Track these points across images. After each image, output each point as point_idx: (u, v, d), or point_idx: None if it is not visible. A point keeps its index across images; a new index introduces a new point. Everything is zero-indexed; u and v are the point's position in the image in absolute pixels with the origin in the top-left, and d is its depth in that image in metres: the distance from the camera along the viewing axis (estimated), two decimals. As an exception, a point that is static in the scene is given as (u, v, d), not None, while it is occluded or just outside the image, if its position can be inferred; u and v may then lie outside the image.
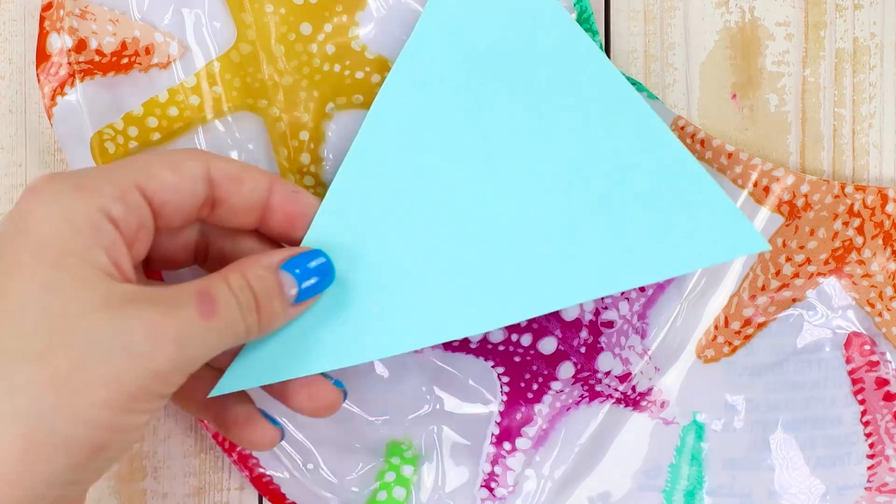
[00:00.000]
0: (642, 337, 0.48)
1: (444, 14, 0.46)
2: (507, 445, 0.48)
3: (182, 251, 0.43)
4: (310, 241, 0.43)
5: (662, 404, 0.49)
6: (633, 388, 0.48)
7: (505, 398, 0.48)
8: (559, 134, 0.45)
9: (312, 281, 0.42)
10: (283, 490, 0.48)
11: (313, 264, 0.42)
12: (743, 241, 0.44)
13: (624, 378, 0.48)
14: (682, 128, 0.48)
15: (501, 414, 0.48)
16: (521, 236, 0.44)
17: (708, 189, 0.44)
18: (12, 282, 0.36)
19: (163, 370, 0.37)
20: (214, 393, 0.42)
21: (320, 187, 0.48)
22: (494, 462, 0.48)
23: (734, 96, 0.49)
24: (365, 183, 0.44)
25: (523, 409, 0.48)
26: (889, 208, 0.48)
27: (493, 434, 0.48)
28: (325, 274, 0.42)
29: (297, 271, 0.41)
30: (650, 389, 0.49)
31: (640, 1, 0.49)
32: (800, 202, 0.48)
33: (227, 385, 0.42)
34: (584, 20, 0.47)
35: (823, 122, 0.50)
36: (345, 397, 0.43)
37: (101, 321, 0.36)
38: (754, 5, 0.49)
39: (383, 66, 0.48)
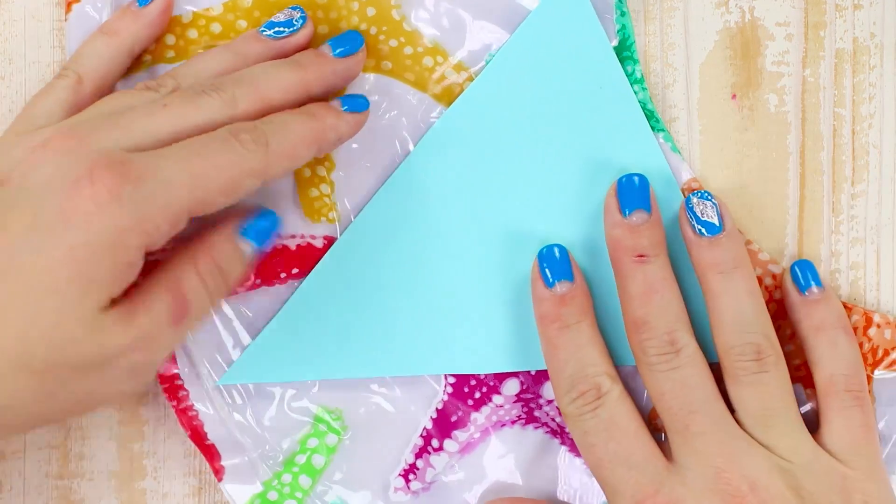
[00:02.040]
0: None
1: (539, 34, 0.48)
2: (434, 443, 0.48)
3: None
4: (342, 242, 0.47)
5: None
6: None
7: (446, 398, 0.48)
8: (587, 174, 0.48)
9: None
10: (205, 428, 0.47)
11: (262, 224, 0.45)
12: None
13: None
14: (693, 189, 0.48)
15: (438, 411, 0.48)
16: None
17: None
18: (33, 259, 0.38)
19: None
20: (222, 382, 0.47)
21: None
22: (419, 455, 0.48)
23: (734, 96, 0.49)
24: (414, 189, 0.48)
25: (461, 412, 0.48)
26: (871, 332, 0.48)
27: (424, 427, 0.48)
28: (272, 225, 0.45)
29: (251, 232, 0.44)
30: None
31: (639, 1, 0.49)
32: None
33: (233, 376, 0.47)
34: (626, 47, 0.48)
35: (823, 122, 0.50)
36: None
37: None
38: (754, 5, 0.49)
39: (416, 42, 0.48)
